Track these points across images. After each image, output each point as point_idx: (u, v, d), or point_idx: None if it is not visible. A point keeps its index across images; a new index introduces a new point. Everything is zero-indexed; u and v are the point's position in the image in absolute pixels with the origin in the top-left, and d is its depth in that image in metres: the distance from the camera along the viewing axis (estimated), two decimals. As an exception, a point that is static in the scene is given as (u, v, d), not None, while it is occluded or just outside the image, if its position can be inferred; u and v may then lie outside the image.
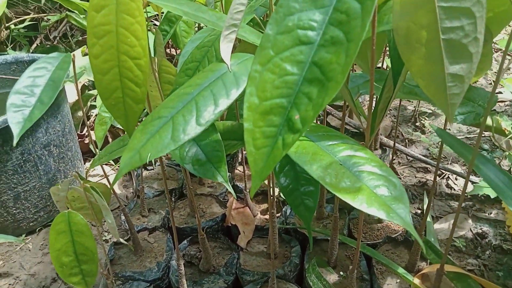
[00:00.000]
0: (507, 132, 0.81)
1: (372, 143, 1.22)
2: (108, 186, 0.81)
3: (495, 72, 1.70)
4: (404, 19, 0.43)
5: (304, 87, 0.34)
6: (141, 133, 0.44)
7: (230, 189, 0.54)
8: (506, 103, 1.58)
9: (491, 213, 1.12)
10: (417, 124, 1.53)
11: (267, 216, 1.04)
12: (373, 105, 0.54)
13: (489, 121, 0.94)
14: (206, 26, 0.67)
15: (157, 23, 1.64)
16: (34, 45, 1.82)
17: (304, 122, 0.33)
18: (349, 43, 0.32)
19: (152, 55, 0.79)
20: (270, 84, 0.36)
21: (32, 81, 0.65)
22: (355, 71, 1.52)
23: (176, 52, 1.61)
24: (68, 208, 0.72)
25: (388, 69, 1.02)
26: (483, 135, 1.41)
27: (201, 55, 0.66)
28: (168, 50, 1.69)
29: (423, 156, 1.31)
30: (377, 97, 0.73)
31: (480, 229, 1.08)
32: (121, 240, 0.75)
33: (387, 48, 0.95)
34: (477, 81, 1.67)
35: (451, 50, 0.43)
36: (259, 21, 0.73)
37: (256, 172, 0.35)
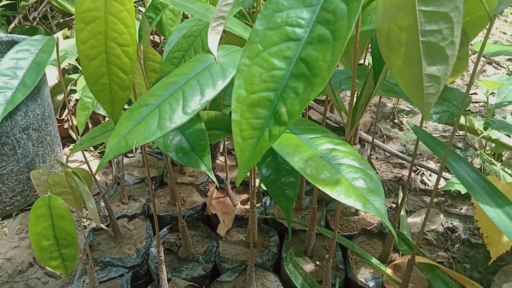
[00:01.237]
0: (479, 132, 0.85)
1: (351, 137, 1.25)
2: (89, 171, 0.81)
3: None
4: (386, 20, 0.45)
5: (291, 81, 0.36)
6: (127, 120, 0.45)
7: (213, 178, 0.55)
8: (481, 103, 1.64)
9: (461, 209, 1.17)
10: (396, 121, 1.57)
11: (247, 206, 1.06)
12: (354, 101, 0.56)
13: (463, 120, 0.98)
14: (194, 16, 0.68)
15: (143, 9, 1.62)
16: (12, 25, 1.77)
17: (290, 115, 0.35)
18: (335, 42, 0.34)
19: (137, 42, 0.79)
20: (258, 78, 0.37)
21: (15, 63, 0.64)
22: (337, 67, 1.54)
23: (160, 40, 1.59)
24: (48, 193, 0.71)
25: (369, 66, 1.05)
26: (457, 134, 1.46)
27: (187, 45, 0.67)
28: (151, 37, 1.67)
29: (400, 152, 1.35)
30: (358, 93, 0.75)
31: (451, 223, 1.12)
32: (102, 225, 0.76)
33: (369, 46, 0.97)
34: (454, 81, 1.72)
35: (429, 52, 0.45)
36: (246, 13, 0.74)
37: (243, 162, 0.36)
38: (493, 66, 1.90)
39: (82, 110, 0.84)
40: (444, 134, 1.50)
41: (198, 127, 0.60)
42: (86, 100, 0.84)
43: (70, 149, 1.43)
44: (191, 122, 0.60)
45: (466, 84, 1.73)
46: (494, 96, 1.02)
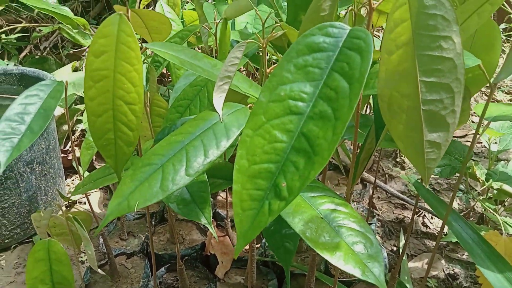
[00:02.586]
0: (481, 182, 0.85)
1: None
2: (90, 211, 0.81)
3: (474, 119, 1.77)
4: (388, 87, 0.46)
5: (292, 155, 0.36)
6: (130, 179, 0.45)
7: (213, 232, 0.55)
8: (483, 144, 1.64)
9: (463, 255, 1.15)
10: (398, 159, 1.57)
11: (246, 247, 1.05)
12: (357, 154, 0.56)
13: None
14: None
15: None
16: (23, 54, 1.81)
17: (290, 191, 0.35)
18: (336, 121, 0.34)
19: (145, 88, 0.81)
20: (260, 149, 0.38)
21: (23, 109, 0.65)
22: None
23: (166, 74, 1.62)
24: (47, 235, 0.71)
25: (371, 113, 1.06)
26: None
27: (193, 94, 0.68)
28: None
29: (401, 192, 1.35)
30: (360, 145, 0.75)
31: (452, 270, 1.11)
32: (98, 270, 0.75)
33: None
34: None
35: (430, 119, 0.46)
36: (249, 62, 0.75)
37: (241, 234, 0.36)
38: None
39: (87, 150, 0.84)
40: (448, 180, 1.50)
41: (200, 178, 0.60)
42: (91, 140, 0.85)
43: (73, 180, 1.44)
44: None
45: (468, 134, 1.73)
46: (496, 143, 1.03)
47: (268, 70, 0.51)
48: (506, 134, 0.97)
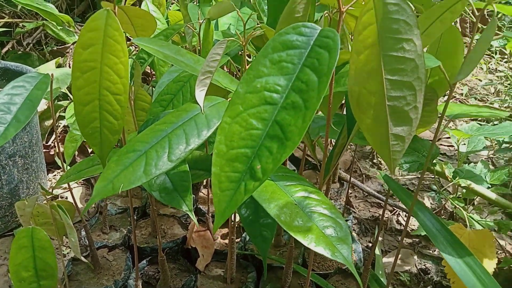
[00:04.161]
0: (449, 179, 0.90)
1: (331, 177, 1.29)
2: (73, 203, 0.83)
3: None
4: (357, 84, 0.50)
5: (266, 141, 0.40)
6: (115, 164, 0.48)
7: (194, 219, 0.58)
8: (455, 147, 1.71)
9: (434, 251, 1.21)
10: (375, 160, 1.63)
11: (227, 241, 1.08)
12: (331, 148, 0.60)
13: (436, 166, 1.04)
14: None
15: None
16: (6, 49, 1.80)
17: (264, 172, 0.38)
18: (306, 110, 0.38)
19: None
20: (237, 135, 0.41)
21: (9, 99, 0.67)
22: (317, 113, 1.60)
23: (150, 71, 1.64)
24: (31, 224, 0.73)
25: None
26: (432, 176, 1.52)
27: (176, 89, 0.71)
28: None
29: (378, 191, 1.40)
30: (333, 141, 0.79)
31: (424, 265, 1.16)
32: (82, 258, 0.77)
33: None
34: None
35: (395, 114, 0.50)
36: (231, 60, 0.79)
37: (220, 212, 0.40)
38: (469, 111, 2.00)
39: (70, 142, 0.86)
40: (419, 176, 1.56)
41: (182, 168, 0.63)
42: (75, 133, 0.87)
43: (55, 175, 1.44)
44: (176, 163, 0.64)
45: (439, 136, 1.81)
46: (465, 144, 1.08)
47: (247, 68, 0.54)
48: (474, 136, 1.03)
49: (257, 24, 0.83)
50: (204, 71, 0.54)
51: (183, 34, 1.13)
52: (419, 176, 1.56)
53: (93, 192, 0.46)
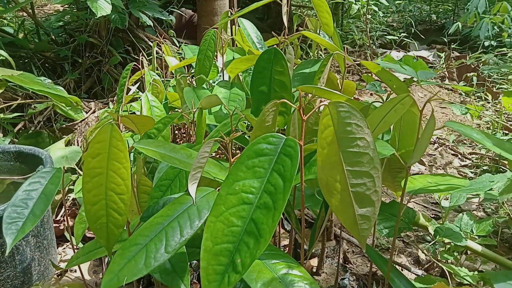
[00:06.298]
0: (431, 237, 0.96)
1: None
2: (80, 278, 0.89)
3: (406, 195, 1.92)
4: (324, 173, 0.59)
5: (245, 237, 0.48)
6: (120, 258, 0.56)
7: (191, 297, 0.65)
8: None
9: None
10: (371, 214, 1.68)
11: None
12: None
13: (423, 221, 1.10)
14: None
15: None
16: (18, 127, 1.93)
17: (243, 266, 0.46)
18: (275, 210, 0.46)
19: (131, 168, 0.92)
20: (221, 232, 0.49)
21: (27, 195, 0.76)
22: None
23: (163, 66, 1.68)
24: (45, 306, 0.79)
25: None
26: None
27: (173, 175, 0.80)
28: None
29: (376, 246, 1.44)
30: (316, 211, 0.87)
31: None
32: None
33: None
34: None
35: (358, 198, 0.58)
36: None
37: (208, 301, 0.47)
38: (459, 158, 2.08)
39: (80, 224, 0.94)
40: (416, 232, 1.60)
41: (180, 250, 0.70)
42: (84, 215, 0.95)
43: (64, 249, 1.50)
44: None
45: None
46: (447, 199, 1.15)
47: (232, 160, 0.64)
48: (456, 191, 1.10)
49: (241, 109, 0.93)
50: (195, 166, 0.63)
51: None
52: (407, 233, 1.60)
53: (101, 285, 0.53)
